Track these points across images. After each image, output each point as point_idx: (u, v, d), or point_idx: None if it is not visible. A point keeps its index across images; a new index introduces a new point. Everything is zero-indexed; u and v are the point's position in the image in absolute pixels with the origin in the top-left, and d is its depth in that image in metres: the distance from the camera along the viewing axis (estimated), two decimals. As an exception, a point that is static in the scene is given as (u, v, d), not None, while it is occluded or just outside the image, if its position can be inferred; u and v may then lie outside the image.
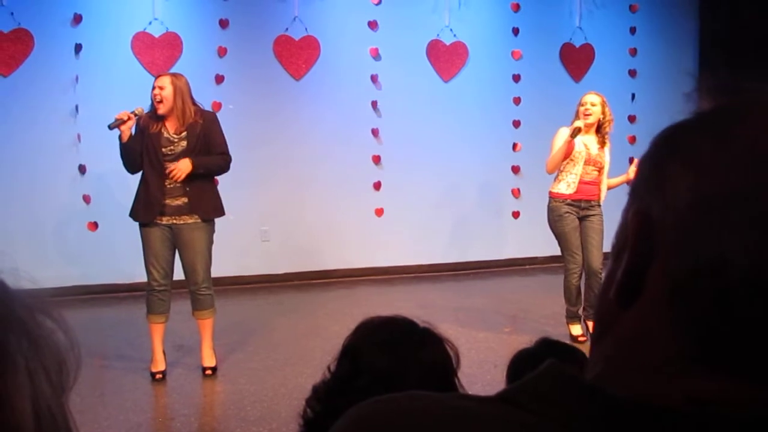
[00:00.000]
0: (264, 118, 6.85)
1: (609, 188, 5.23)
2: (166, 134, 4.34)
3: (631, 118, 7.72)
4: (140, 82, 6.26)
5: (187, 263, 4.45)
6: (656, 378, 0.49)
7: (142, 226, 4.41)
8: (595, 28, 7.76)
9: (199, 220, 4.38)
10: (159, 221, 4.35)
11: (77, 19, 6.32)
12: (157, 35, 6.52)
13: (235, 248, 6.83)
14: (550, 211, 5.13)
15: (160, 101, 4.30)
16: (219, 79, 6.72)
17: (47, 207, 6.39)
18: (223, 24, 6.72)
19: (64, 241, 6.40)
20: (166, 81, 4.35)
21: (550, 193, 5.15)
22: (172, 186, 4.33)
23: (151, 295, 4.46)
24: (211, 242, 4.48)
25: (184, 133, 4.35)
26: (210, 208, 4.44)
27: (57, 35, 6.29)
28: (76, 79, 6.34)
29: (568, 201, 5.06)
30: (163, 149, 4.33)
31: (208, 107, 6.62)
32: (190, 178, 4.32)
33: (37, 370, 0.48)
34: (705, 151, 0.49)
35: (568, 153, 5.01)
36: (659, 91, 7.96)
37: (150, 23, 6.49)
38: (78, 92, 6.36)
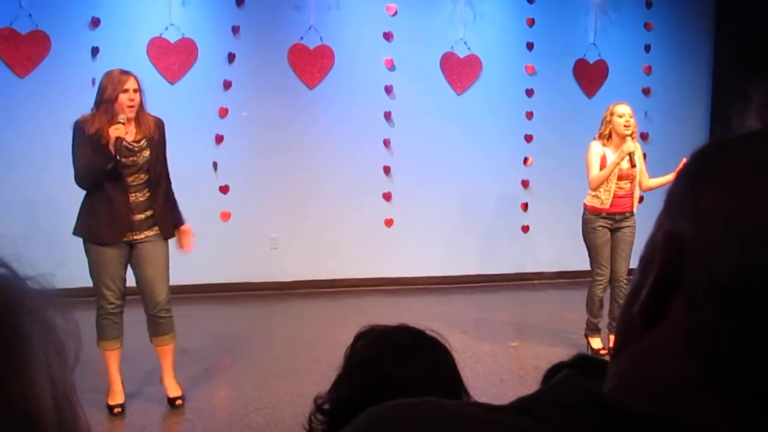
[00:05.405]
0: (277, 125, 6.88)
1: (653, 188, 5.23)
2: (124, 143, 3.83)
3: (644, 137, 7.70)
4: (156, 87, 6.29)
5: (147, 281, 3.97)
6: (668, 398, 0.49)
7: (97, 245, 3.94)
8: (610, 45, 7.75)
9: (162, 236, 4.01)
10: (124, 239, 3.93)
11: (95, 22, 6.37)
12: (173, 41, 6.57)
13: (244, 254, 6.85)
14: (585, 222, 5.15)
15: (132, 106, 3.83)
16: (227, 85, 6.75)
17: (58, 209, 6.41)
18: (236, 30, 6.75)
19: (75, 244, 6.40)
20: (137, 83, 3.88)
21: (585, 205, 5.16)
22: (136, 201, 3.93)
23: (103, 319, 3.97)
24: (168, 261, 4.07)
25: (144, 142, 3.92)
26: (171, 227, 4.08)
27: (74, 38, 6.34)
28: (93, 82, 6.37)
29: (603, 214, 5.07)
30: (123, 159, 3.82)
31: (215, 113, 6.69)
32: (154, 193, 3.95)
33: (49, 351, 0.49)
34: (744, 184, 0.47)
35: (601, 166, 5.02)
36: (672, 110, 7.95)
37: (166, 28, 6.53)
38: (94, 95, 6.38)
